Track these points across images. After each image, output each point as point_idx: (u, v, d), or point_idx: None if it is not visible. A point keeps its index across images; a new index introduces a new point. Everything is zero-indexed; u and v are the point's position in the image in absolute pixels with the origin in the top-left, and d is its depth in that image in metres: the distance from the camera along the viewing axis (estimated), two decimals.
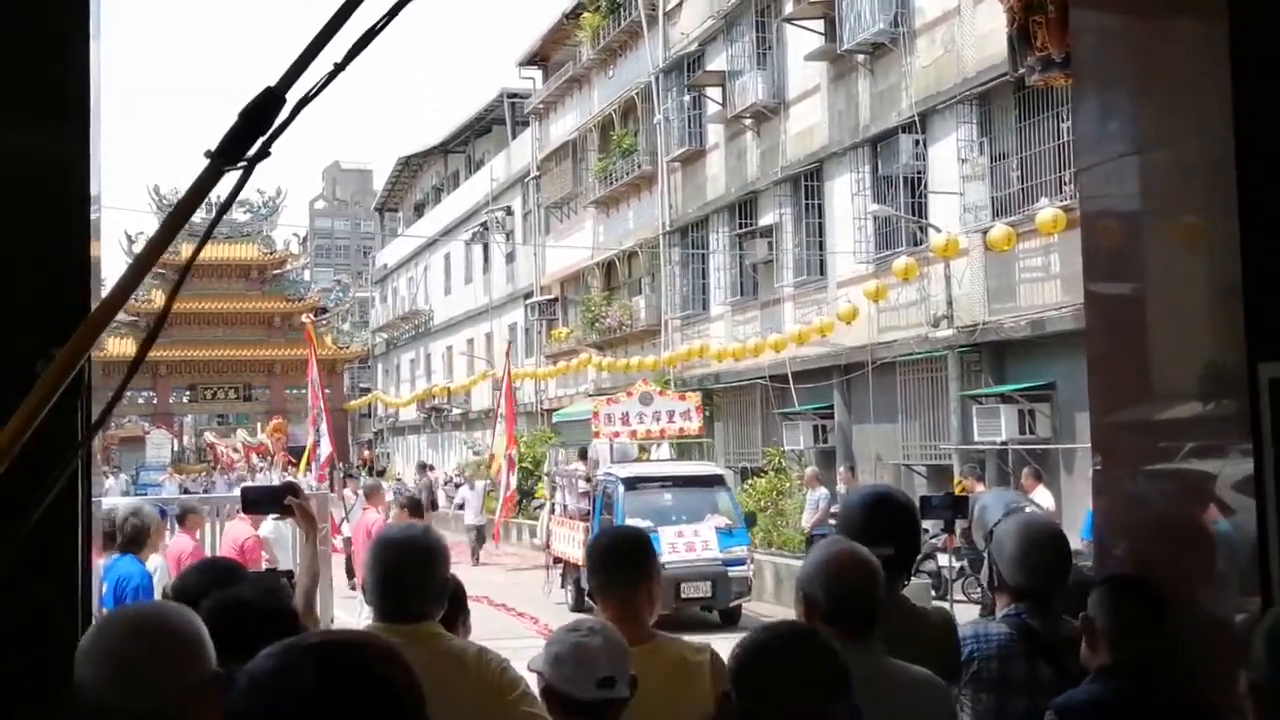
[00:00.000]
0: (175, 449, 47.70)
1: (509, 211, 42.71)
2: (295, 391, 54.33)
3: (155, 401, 52.52)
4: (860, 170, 22.65)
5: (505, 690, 3.28)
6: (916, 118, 20.88)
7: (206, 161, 1.90)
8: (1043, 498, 14.62)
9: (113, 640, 2.17)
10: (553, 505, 21.48)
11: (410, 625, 3.29)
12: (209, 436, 46.45)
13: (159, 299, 51.84)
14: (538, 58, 40.58)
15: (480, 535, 26.38)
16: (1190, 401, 3.39)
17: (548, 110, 38.84)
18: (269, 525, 12.36)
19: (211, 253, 52.83)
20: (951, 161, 20.08)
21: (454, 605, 3.73)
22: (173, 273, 52.30)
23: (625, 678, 2.86)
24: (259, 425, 47.52)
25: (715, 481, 17.94)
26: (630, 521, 15.22)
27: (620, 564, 3.56)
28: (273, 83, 1.93)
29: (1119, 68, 3.73)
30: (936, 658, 3.41)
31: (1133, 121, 3.64)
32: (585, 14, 34.43)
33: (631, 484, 17.18)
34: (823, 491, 19.57)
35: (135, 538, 7.22)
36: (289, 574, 4.37)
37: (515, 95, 43.22)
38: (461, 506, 28.57)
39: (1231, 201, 3.16)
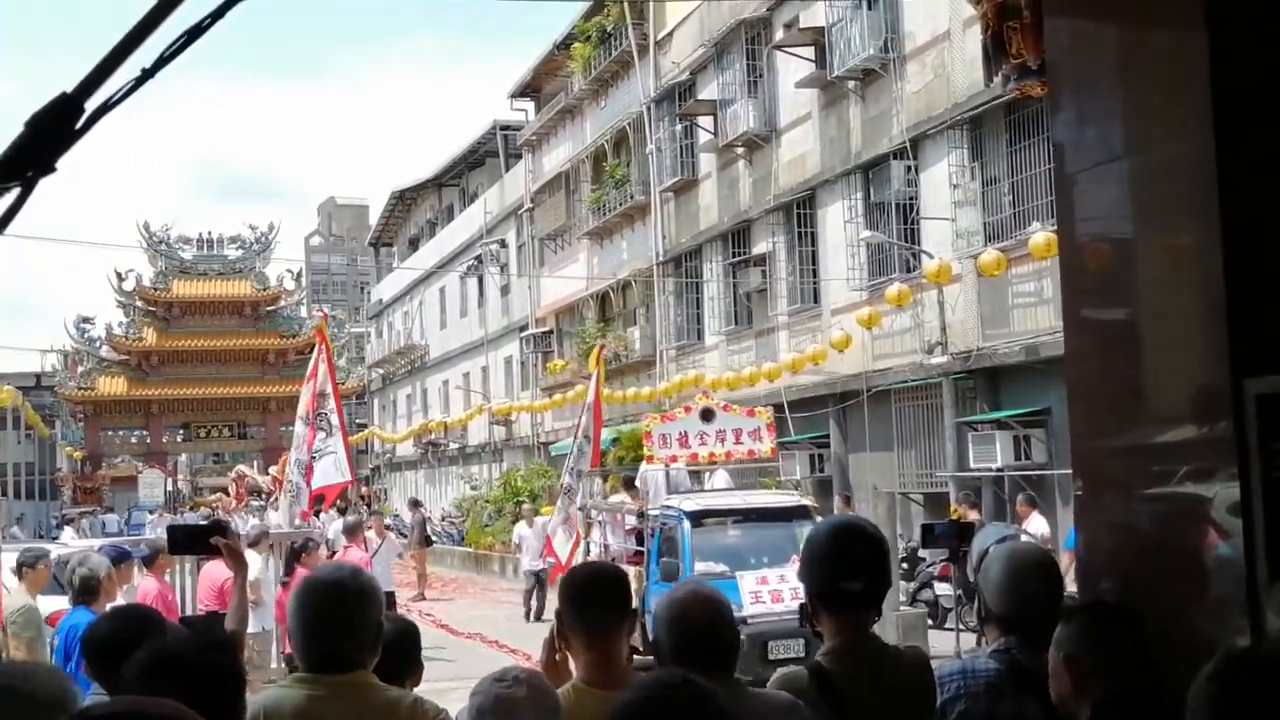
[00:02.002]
0: (169, 489, 47.26)
1: (503, 244, 42.68)
2: (291, 429, 54.00)
3: (149, 440, 52.11)
4: (852, 197, 22.59)
5: None
6: (908, 143, 20.83)
7: None
8: (1038, 525, 14.47)
9: None
10: (588, 545, 18.05)
11: (339, 675, 3.08)
12: (241, 468, 45.80)
13: (151, 337, 51.63)
14: (529, 89, 40.64)
15: (540, 582, 21.48)
16: (1174, 418, 3.25)
17: (540, 142, 38.88)
18: (255, 565, 12.13)
19: (203, 289, 52.49)
20: (943, 187, 20.02)
21: (403, 655, 3.51)
22: (162, 310, 52.36)
23: None
24: (254, 463, 47.17)
25: (798, 514, 14.56)
26: (701, 566, 13.44)
27: (599, 602, 3.32)
28: (70, 88, 1.70)
29: (1095, 74, 3.60)
30: (911, 698, 3.25)
31: (1110, 129, 3.51)
32: (576, 45, 34.48)
33: (698, 519, 14.24)
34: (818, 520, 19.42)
35: (85, 589, 6.94)
36: (216, 615, 4.16)
37: (508, 127, 43.27)
38: (518, 548, 23.78)
39: (1213, 209, 3.02)
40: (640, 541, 15.88)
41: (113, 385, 51.46)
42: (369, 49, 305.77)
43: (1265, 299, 2.98)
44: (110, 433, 52.34)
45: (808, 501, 15.76)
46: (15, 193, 1.69)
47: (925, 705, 3.27)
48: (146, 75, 1.73)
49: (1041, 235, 16.60)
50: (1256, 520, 2.87)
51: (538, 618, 20.61)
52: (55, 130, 1.67)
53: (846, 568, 3.25)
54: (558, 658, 3.34)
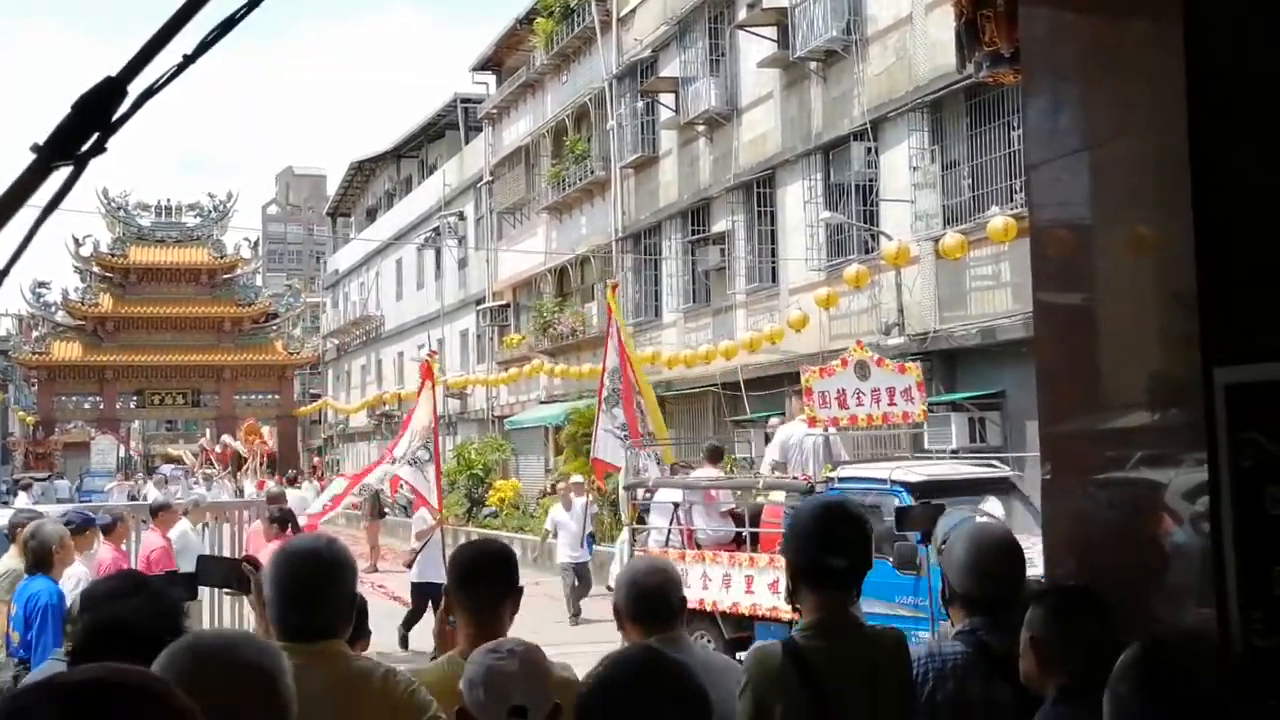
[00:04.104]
0: (121, 455, 46.95)
1: (461, 217, 42.49)
2: (244, 397, 53.75)
3: (102, 407, 51.79)
4: (812, 177, 22.62)
5: (413, 713, 3.12)
6: (868, 125, 20.88)
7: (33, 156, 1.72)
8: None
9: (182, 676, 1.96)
10: (631, 531, 14.94)
11: (313, 644, 3.10)
12: (227, 439, 45.71)
13: (107, 302, 51.24)
14: (491, 63, 40.43)
15: (581, 578, 17.98)
16: (1143, 406, 3.28)
17: (501, 115, 38.68)
18: (179, 529, 12.01)
19: (161, 256, 52.20)
20: (903, 169, 20.09)
21: (355, 623, 3.57)
22: (119, 275, 51.94)
23: (541, 706, 2.69)
24: (207, 431, 46.88)
25: (1004, 486, 12.44)
26: None
27: (484, 578, 3.51)
28: (114, 72, 1.76)
29: (1069, 63, 3.62)
30: (887, 677, 3.27)
31: (1083, 118, 3.53)
32: (539, 19, 34.31)
33: (923, 494, 11.09)
34: None
35: (39, 560, 6.94)
36: (189, 577, 4.10)
37: (468, 100, 43.03)
38: (553, 534, 19.68)
39: (1185, 200, 3.05)
40: (744, 524, 13.13)
41: (67, 350, 51.12)
42: (330, 19, 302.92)
43: (1235, 289, 3.01)
44: (64, 398, 51.99)
45: (1008, 472, 13.42)
46: (67, 171, 1.75)
47: (901, 685, 3.30)
48: (188, 61, 1.79)
49: (1000, 219, 16.72)
50: (1224, 509, 2.91)
51: (577, 619, 17.46)
52: (100, 113, 1.73)
53: (831, 545, 3.29)
54: (447, 629, 3.58)
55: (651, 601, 3.52)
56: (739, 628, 12.30)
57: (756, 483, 13.55)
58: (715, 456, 15.10)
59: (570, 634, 15.97)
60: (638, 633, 3.52)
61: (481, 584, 3.50)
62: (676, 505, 13.75)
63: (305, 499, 22.94)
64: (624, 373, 15.33)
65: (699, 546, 13.28)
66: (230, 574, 4.18)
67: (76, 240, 51.30)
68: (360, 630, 3.86)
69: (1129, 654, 2.16)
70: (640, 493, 14.80)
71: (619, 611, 3.61)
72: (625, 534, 14.61)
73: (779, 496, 12.83)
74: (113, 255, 51.58)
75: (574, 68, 33.27)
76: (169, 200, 53.67)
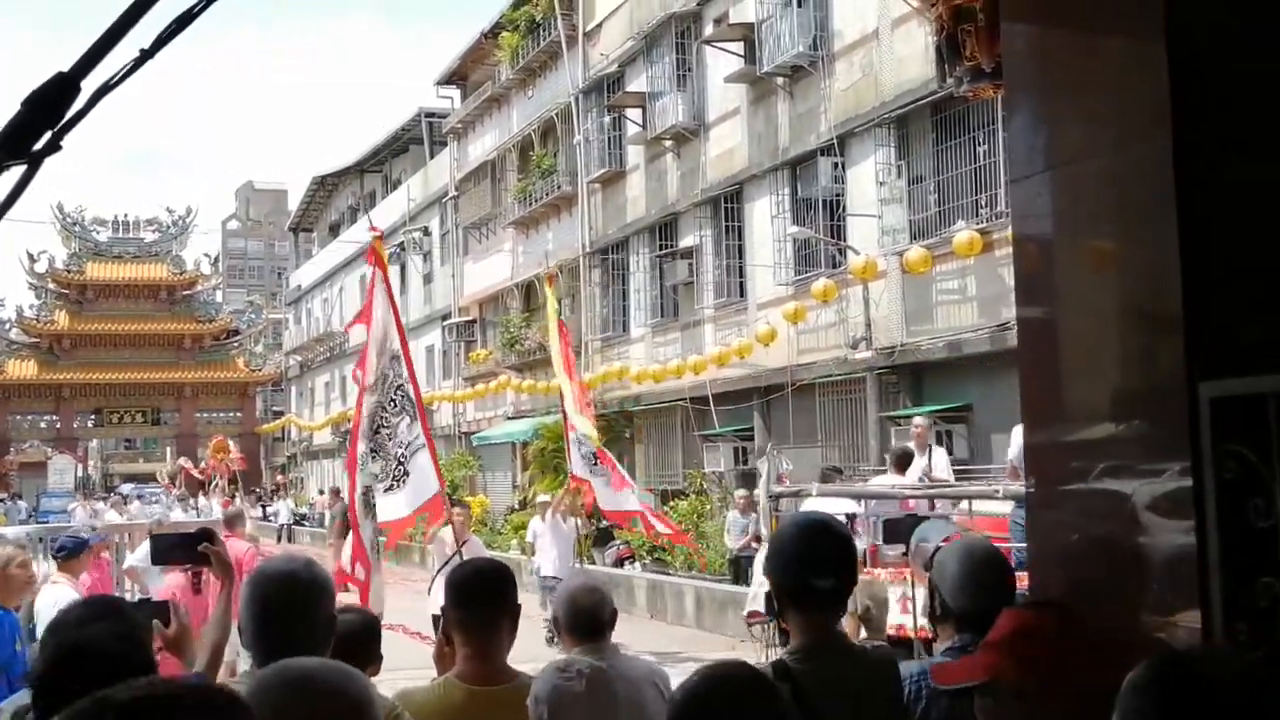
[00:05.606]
0: (79, 475, 46.45)
1: (426, 232, 42.38)
2: (205, 415, 53.34)
3: (59, 426, 51.21)
4: (780, 192, 22.70)
5: None
6: (835, 140, 20.97)
7: None
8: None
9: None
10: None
11: None
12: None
13: (63, 320, 50.74)
14: (456, 77, 40.38)
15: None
16: (1129, 421, 3.29)
17: (466, 130, 38.63)
18: (143, 549, 11.80)
19: (118, 272, 51.76)
20: (870, 184, 20.19)
21: (365, 645, 3.51)
22: (75, 292, 51.45)
23: None
24: (168, 450, 46.49)
25: None
26: None
27: (483, 598, 3.51)
28: (66, 68, 1.70)
29: (1051, 77, 3.64)
30: (877, 697, 3.26)
31: (1065, 132, 3.54)
32: (504, 33, 34.29)
33: None
34: (753, 516, 19.29)
35: None
36: (162, 606, 4.02)
37: (433, 114, 42.97)
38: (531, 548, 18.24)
39: (1170, 214, 3.06)
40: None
41: (22, 369, 50.60)
42: (293, 30, 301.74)
43: (1220, 303, 3.03)
44: (19, 417, 51.46)
45: None
46: (20, 170, 1.69)
47: (892, 704, 3.29)
48: (146, 56, 1.73)
49: (965, 234, 16.83)
50: (1208, 522, 2.92)
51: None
52: (53, 110, 1.67)
53: (817, 565, 3.26)
54: (446, 650, 3.58)
55: (586, 617, 3.91)
56: None
57: (994, 491, 11.42)
58: (904, 462, 13.46)
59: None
60: (572, 641, 3.90)
61: (478, 605, 3.48)
62: (852, 518, 11.75)
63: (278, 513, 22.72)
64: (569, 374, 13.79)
65: (884, 565, 11.50)
66: (188, 550, 4.07)
67: (31, 256, 50.81)
68: (372, 655, 3.80)
69: (1142, 670, 2.15)
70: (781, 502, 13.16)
71: (558, 623, 4.01)
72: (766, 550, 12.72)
73: (997, 507, 11.35)
74: (69, 271, 51.19)
75: (540, 82, 33.27)
76: (126, 215, 53.30)
